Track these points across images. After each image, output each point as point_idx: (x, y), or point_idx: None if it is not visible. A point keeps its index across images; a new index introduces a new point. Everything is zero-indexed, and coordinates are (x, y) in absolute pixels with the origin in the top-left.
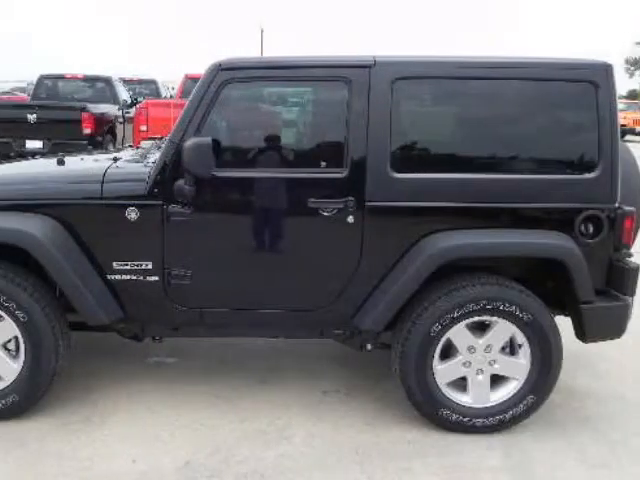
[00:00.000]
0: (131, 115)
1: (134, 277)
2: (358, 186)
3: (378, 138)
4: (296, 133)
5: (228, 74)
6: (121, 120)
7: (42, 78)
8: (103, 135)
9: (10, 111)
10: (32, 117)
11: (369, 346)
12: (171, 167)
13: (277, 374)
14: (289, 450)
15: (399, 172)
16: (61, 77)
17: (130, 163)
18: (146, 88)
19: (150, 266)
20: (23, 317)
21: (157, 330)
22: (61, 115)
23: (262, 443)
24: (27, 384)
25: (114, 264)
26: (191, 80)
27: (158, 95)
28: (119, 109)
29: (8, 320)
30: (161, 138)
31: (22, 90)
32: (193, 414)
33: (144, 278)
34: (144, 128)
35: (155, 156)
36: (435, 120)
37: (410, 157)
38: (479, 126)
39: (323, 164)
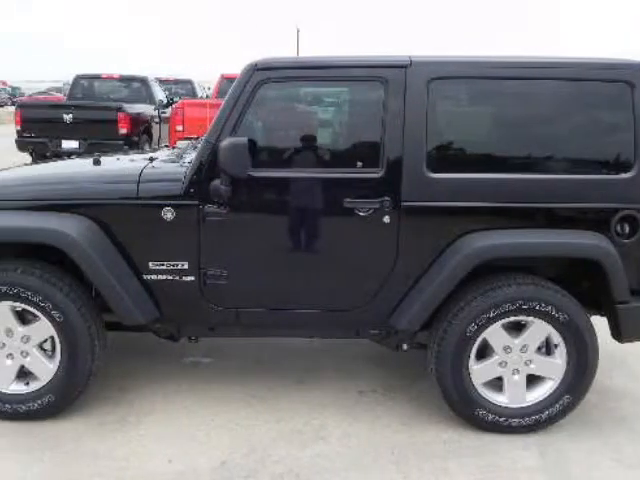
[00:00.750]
0: (167, 115)
1: (170, 277)
2: (394, 186)
3: (414, 138)
4: (332, 133)
5: (264, 74)
6: (157, 120)
7: (78, 78)
8: (139, 135)
9: (46, 111)
10: (68, 117)
11: (405, 346)
12: (207, 167)
13: (313, 374)
14: (325, 450)
15: (435, 172)
16: (97, 77)
17: (166, 163)
18: (182, 88)
19: (186, 266)
20: (59, 317)
21: (193, 330)
22: (97, 115)
23: (298, 443)
24: (63, 384)
25: (150, 264)
26: (227, 80)
27: (194, 95)
28: (155, 109)
29: (44, 320)
30: (197, 138)
31: (58, 90)
32: (229, 414)
33: (180, 278)
34: (180, 128)
35: (191, 156)
36: (471, 120)
37: (446, 157)
38: (515, 126)
39: (359, 164)
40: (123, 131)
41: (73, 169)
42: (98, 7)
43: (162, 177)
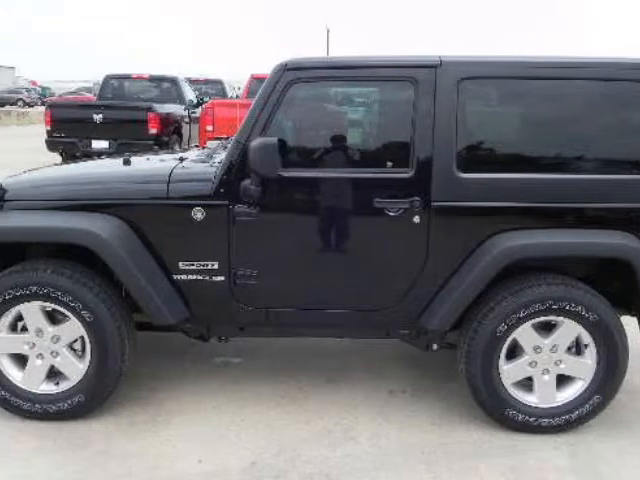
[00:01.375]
0: (197, 115)
1: (200, 277)
2: (424, 186)
3: (444, 138)
4: (362, 133)
5: (294, 74)
6: (187, 120)
7: (108, 78)
8: (169, 135)
9: (76, 111)
10: (98, 117)
11: (435, 346)
12: (237, 167)
13: (343, 374)
14: (355, 450)
15: (465, 172)
16: (127, 77)
17: (196, 163)
18: (212, 88)
19: (216, 266)
20: (89, 317)
21: (223, 330)
22: (127, 115)
23: (328, 443)
24: (93, 384)
25: (180, 264)
26: (257, 80)
27: (224, 95)
28: (185, 109)
29: (74, 320)
30: (227, 138)
31: (88, 90)
32: (259, 414)
33: (210, 278)
34: (210, 128)
35: (221, 156)
36: (501, 120)
37: (476, 157)
38: (545, 126)
39: (389, 164)
40: (153, 131)
41: (103, 169)
42: (130, 7)
43: (192, 177)
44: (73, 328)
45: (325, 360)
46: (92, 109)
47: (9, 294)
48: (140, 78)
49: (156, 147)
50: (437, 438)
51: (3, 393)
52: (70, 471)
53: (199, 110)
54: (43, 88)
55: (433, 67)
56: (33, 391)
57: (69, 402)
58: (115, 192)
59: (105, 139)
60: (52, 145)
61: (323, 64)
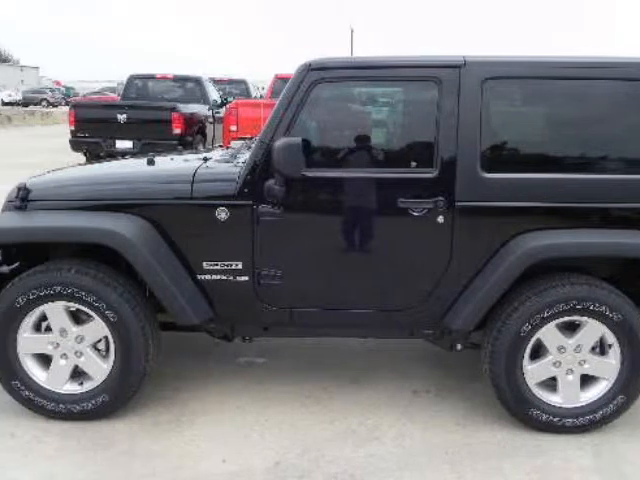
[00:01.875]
0: (221, 115)
1: (224, 277)
2: (448, 186)
3: (468, 138)
4: (386, 133)
5: (318, 74)
6: (211, 120)
7: (132, 78)
8: (193, 135)
9: (100, 111)
10: (122, 117)
11: (459, 346)
12: (261, 167)
13: (367, 374)
14: (379, 450)
15: (489, 172)
16: (151, 77)
17: (220, 163)
18: (236, 88)
19: (240, 266)
20: (113, 317)
21: (247, 330)
22: (151, 115)
23: (352, 443)
24: (117, 384)
25: (204, 264)
26: (281, 80)
27: (248, 95)
28: (209, 109)
29: (98, 320)
30: (251, 138)
31: (112, 90)
32: (283, 414)
33: (234, 278)
34: (234, 128)
35: (245, 156)
36: (525, 120)
37: (500, 157)
38: (569, 126)
39: (413, 164)
40: (177, 131)
41: (127, 169)
42: (155, 7)
43: (216, 177)
44: (97, 328)
45: (349, 360)
46: (116, 109)
47: (33, 294)
48: (164, 78)
49: (180, 147)
50: (461, 438)
51: (27, 393)
52: (93, 471)
53: (223, 110)
54: (67, 88)
55: (457, 67)
56: (57, 391)
57: (93, 402)
58: (139, 192)
59: (129, 139)
60: (76, 145)
61: (347, 64)
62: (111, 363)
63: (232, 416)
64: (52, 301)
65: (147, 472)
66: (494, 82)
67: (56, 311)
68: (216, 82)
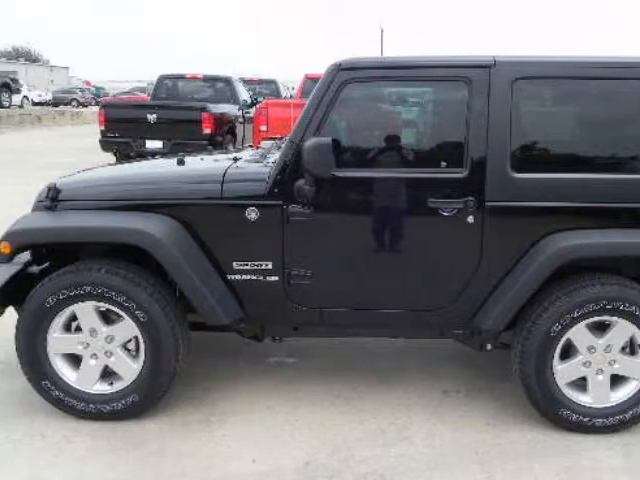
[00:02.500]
0: (251, 115)
1: (254, 277)
2: (478, 186)
3: (498, 138)
4: (416, 133)
5: (348, 74)
6: (241, 120)
7: (162, 78)
8: (223, 135)
9: (130, 111)
10: (152, 117)
11: (489, 346)
12: (291, 167)
13: (397, 374)
14: (409, 450)
15: (519, 172)
16: (181, 77)
17: (250, 163)
18: (266, 88)
19: (270, 266)
20: (143, 317)
21: (277, 330)
22: (181, 115)
23: (382, 443)
24: (147, 384)
25: (234, 264)
26: (311, 80)
27: (278, 95)
28: (239, 109)
29: (128, 320)
30: (281, 138)
31: (142, 90)
32: (313, 414)
33: (264, 278)
34: (264, 128)
35: (275, 156)
36: (555, 120)
37: (530, 157)
38: (599, 126)
39: (443, 164)
40: (207, 131)
41: (157, 169)
42: (187, 7)
43: (246, 177)
44: (127, 328)
45: (379, 360)
46: (146, 109)
47: (63, 294)
48: (194, 78)
49: (210, 147)
50: (491, 438)
51: (57, 393)
52: (123, 471)
53: (253, 110)
54: (97, 88)
55: (487, 67)
56: (87, 391)
57: (123, 402)
58: (169, 192)
59: (159, 139)
60: (106, 145)
61: (377, 64)
62: (141, 363)
63: (262, 416)
64: (82, 301)
65: (177, 472)
66: (524, 82)
67: (86, 311)
68: (246, 82)
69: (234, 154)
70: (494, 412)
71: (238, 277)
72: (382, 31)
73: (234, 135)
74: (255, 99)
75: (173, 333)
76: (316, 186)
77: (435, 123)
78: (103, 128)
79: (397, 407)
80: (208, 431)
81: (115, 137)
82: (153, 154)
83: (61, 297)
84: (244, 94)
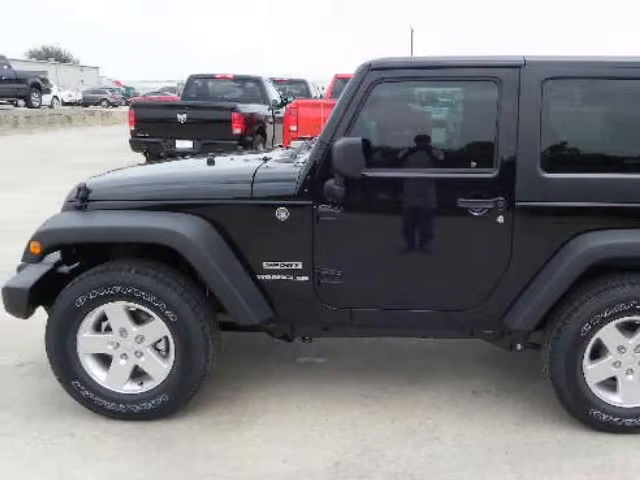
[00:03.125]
0: (281, 115)
1: (284, 277)
2: (508, 186)
3: (528, 138)
4: (446, 133)
5: (378, 74)
6: (271, 120)
7: (192, 78)
8: (253, 135)
9: (160, 111)
10: (182, 117)
11: (519, 346)
12: (321, 167)
13: (426, 374)
14: (439, 450)
15: (549, 172)
16: (211, 77)
17: (279, 163)
18: (296, 88)
19: (300, 266)
20: (173, 317)
21: (307, 330)
22: (211, 115)
23: (412, 443)
24: (177, 384)
25: (264, 264)
26: (341, 80)
27: (308, 95)
28: (269, 109)
29: (158, 320)
30: (311, 138)
31: (172, 90)
32: (343, 414)
33: (294, 278)
34: (294, 128)
35: (305, 156)
36: (585, 120)
37: (560, 157)
38: (629, 126)
39: (473, 164)
40: (237, 131)
41: (186, 169)
42: (217, 7)
43: (276, 177)
44: (157, 328)
45: (408, 360)
46: (176, 109)
47: (93, 294)
48: (224, 78)
49: (240, 147)
50: (521, 438)
51: (87, 393)
52: (154, 471)
53: (283, 110)
54: (127, 88)
55: (517, 67)
56: (117, 391)
57: (153, 402)
58: (199, 192)
59: (189, 139)
60: (136, 145)
61: (407, 64)
62: (171, 363)
63: (292, 416)
64: (112, 301)
65: (207, 472)
66: (554, 82)
67: (116, 311)
68: (276, 82)
69: (264, 154)
70: (524, 412)
71: (268, 277)
72: (412, 31)
73: (264, 135)
74: (285, 99)
75: (203, 333)
76: (346, 186)
77: (465, 123)
78: (133, 128)
79: (427, 407)
80: (238, 431)
81: (145, 137)
82: (183, 154)
83: (91, 297)
84: (274, 94)
